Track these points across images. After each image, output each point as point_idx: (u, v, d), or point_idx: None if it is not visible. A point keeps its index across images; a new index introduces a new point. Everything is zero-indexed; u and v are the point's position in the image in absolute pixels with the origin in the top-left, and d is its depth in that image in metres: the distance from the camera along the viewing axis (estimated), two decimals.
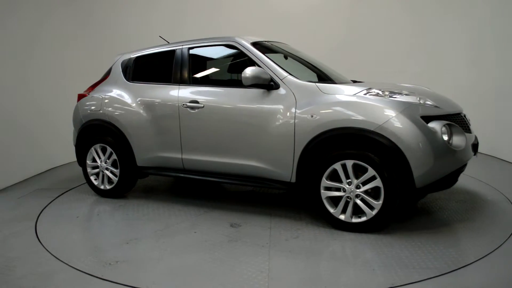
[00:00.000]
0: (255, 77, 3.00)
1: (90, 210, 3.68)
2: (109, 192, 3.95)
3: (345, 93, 2.87)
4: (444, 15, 6.11)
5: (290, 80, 3.07)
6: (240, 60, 3.47)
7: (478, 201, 3.56)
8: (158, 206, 3.67)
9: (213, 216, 3.34)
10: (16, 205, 3.88)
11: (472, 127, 3.12)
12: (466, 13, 5.87)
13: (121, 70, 4.01)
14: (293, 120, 2.93)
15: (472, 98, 5.33)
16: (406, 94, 2.82)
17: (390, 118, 2.64)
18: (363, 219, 2.80)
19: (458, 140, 2.74)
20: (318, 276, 2.29)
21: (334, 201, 2.91)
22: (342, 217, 2.87)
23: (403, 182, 2.68)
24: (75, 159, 4.27)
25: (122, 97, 3.83)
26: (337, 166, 2.82)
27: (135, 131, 3.72)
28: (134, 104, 3.75)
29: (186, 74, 3.59)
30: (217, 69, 3.90)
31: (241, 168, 3.25)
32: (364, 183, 2.76)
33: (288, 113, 2.97)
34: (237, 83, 3.22)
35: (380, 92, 2.81)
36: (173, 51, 3.71)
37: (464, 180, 4.03)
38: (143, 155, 3.74)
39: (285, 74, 3.11)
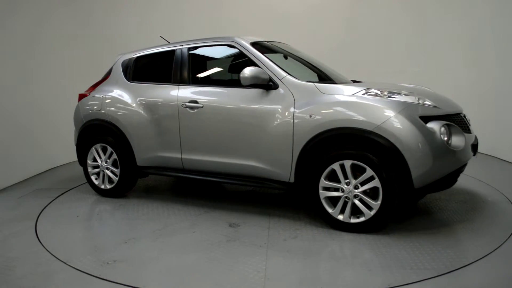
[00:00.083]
0: (253, 77, 3.00)
1: (90, 210, 3.69)
2: (110, 191, 3.96)
3: (343, 93, 2.87)
4: (444, 15, 6.10)
5: (289, 80, 3.07)
6: (239, 60, 3.47)
7: (478, 201, 3.55)
8: (158, 205, 3.68)
9: (212, 216, 3.35)
10: (16, 205, 3.89)
11: (472, 127, 3.11)
12: (466, 13, 5.86)
13: (121, 70, 4.02)
14: (292, 120, 2.93)
15: (472, 98, 5.33)
16: (405, 94, 2.81)
17: (388, 118, 2.64)
18: (362, 219, 2.80)
19: (457, 141, 2.73)
20: (316, 276, 2.29)
21: (333, 201, 2.91)
22: (340, 217, 2.87)
23: (402, 183, 2.68)
24: (75, 159, 4.29)
25: (123, 97, 3.85)
26: (336, 166, 2.82)
27: (135, 131, 3.74)
28: (134, 104, 3.76)
29: (185, 74, 3.60)
30: (217, 69, 3.91)
31: (240, 168, 3.26)
32: (362, 184, 2.76)
33: (286, 113, 2.97)
34: (237, 83, 3.22)
35: (379, 92, 2.81)
36: (173, 51, 3.72)
37: (464, 180, 4.02)
38: (143, 154, 3.75)
39: (284, 74, 3.11)
